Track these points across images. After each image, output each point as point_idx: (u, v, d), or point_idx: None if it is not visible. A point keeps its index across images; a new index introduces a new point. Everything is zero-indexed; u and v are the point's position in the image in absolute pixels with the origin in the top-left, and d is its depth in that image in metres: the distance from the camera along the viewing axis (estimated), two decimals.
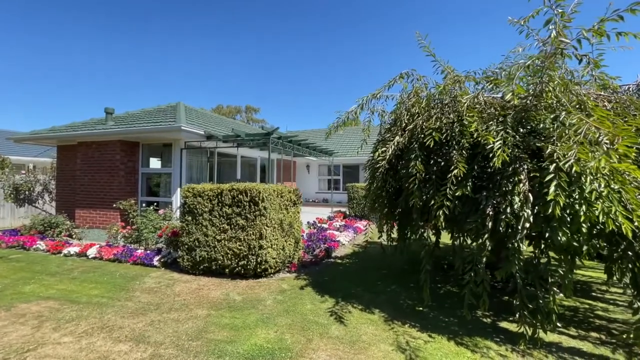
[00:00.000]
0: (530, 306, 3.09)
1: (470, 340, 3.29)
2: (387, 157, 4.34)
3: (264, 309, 4.08)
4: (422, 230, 4.01)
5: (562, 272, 3.05)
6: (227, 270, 5.36)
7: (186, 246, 5.56)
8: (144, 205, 8.77)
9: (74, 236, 8.56)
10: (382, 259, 6.74)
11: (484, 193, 3.40)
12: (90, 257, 6.65)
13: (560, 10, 3.11)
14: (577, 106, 3.14)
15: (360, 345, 3.18)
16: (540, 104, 3.25)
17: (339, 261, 6.61)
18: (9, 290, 4.72)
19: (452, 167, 3.46)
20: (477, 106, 3.82)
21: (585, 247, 2.97)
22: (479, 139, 3.44)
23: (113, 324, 3.63)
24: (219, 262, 5.34)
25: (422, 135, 3.92)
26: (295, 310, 4.03)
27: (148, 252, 6.36)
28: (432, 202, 3.63)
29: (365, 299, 4.51)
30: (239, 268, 5.27)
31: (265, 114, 63.63)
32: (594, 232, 2.91)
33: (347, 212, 12.68)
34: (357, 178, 16.61)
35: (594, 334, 3.47)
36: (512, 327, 3.61)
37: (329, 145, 15.93)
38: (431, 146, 3.65)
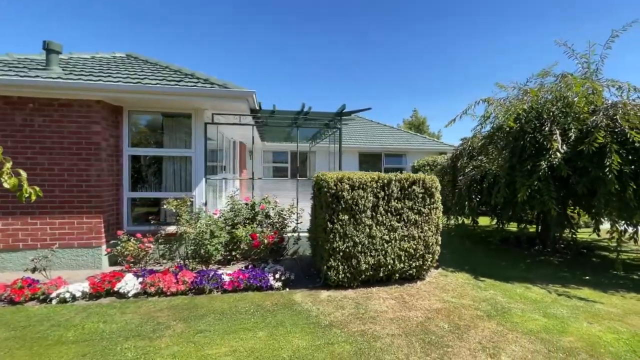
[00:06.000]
0: None
1: None
2: (558, 146, 4.85)
3: (555, 316, 3.62)
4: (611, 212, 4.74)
5: None
6: (396, 275, 4.48)
7: (340, 254, 4.24)
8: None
9: None
10: (446, 240, 7.39)
11: None
12: (129, 295, 3.95)
13: None
14: None
15: None
16: None
17: None
18: None
19: None
20: None
21: None
22: None
23: None
24: (389, 267, 4.40)
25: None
26: (559, 313, 3.71)
27: (252, 271, 4.39)
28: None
29: (537, 281, 4.83)
30: (412, 270, 4.53)
31: None
32: None
33: None
34: (305, 166, 16.08)
35: None
36: None
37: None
38: None
